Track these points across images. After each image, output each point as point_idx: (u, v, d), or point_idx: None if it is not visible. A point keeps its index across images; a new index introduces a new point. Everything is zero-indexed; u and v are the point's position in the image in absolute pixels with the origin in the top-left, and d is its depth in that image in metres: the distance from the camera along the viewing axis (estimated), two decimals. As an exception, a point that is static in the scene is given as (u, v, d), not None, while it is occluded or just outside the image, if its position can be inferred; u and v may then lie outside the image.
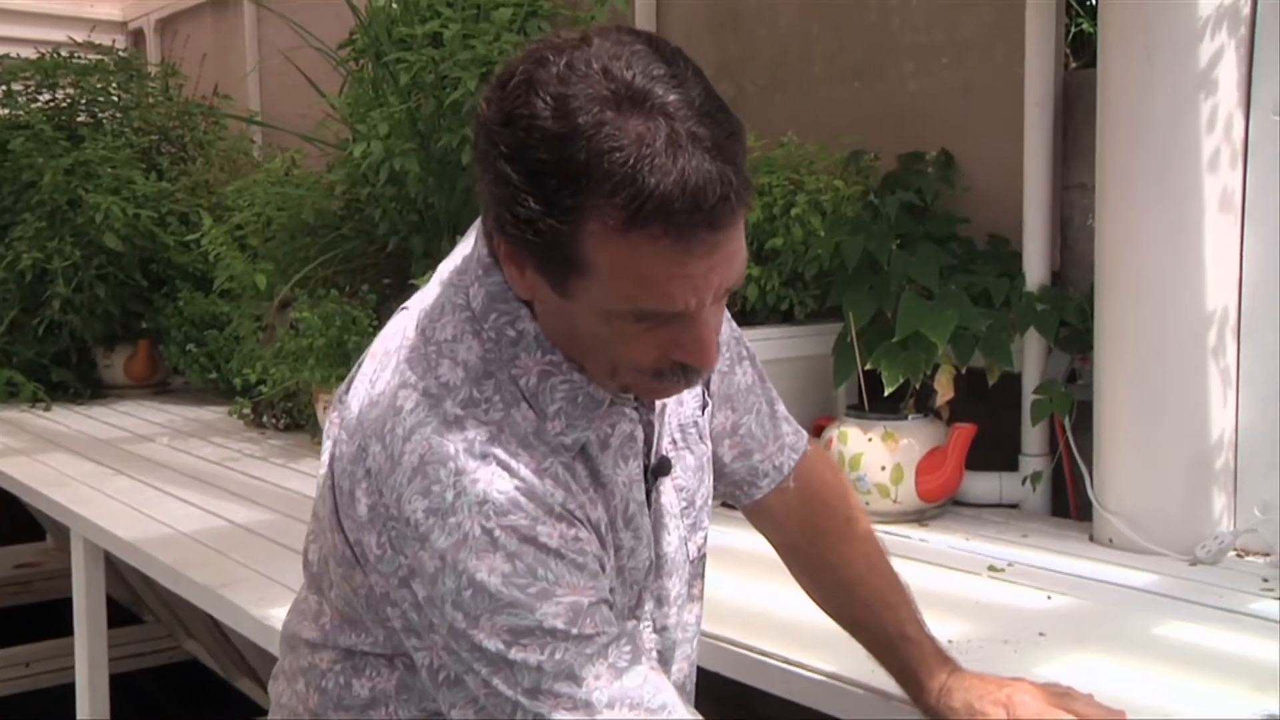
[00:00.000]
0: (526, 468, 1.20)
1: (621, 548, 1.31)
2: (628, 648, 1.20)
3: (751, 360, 1.57)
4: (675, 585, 1.44)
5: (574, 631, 1.16)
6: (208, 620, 3.97)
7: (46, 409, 4.59)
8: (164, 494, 3.16)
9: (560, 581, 1.17)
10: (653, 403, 1.36)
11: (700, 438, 1.45)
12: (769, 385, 1.58)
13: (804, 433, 1.62)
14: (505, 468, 1.19)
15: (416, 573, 1.19)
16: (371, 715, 1.37)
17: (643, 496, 1.35)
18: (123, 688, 3.47)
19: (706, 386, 1.50)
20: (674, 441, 1.41)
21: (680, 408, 1.42)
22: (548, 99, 1.09)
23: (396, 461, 1.20)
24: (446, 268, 1.34)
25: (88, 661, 3.29)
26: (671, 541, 1.40)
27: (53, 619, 3.39)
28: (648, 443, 1.36)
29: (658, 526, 1.39)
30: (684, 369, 1.21)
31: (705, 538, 1.48)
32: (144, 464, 3.56)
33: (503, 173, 1.12)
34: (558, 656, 1.16)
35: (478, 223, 1.31)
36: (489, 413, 1.21)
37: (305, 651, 1.43)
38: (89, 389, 4.86)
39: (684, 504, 1.42)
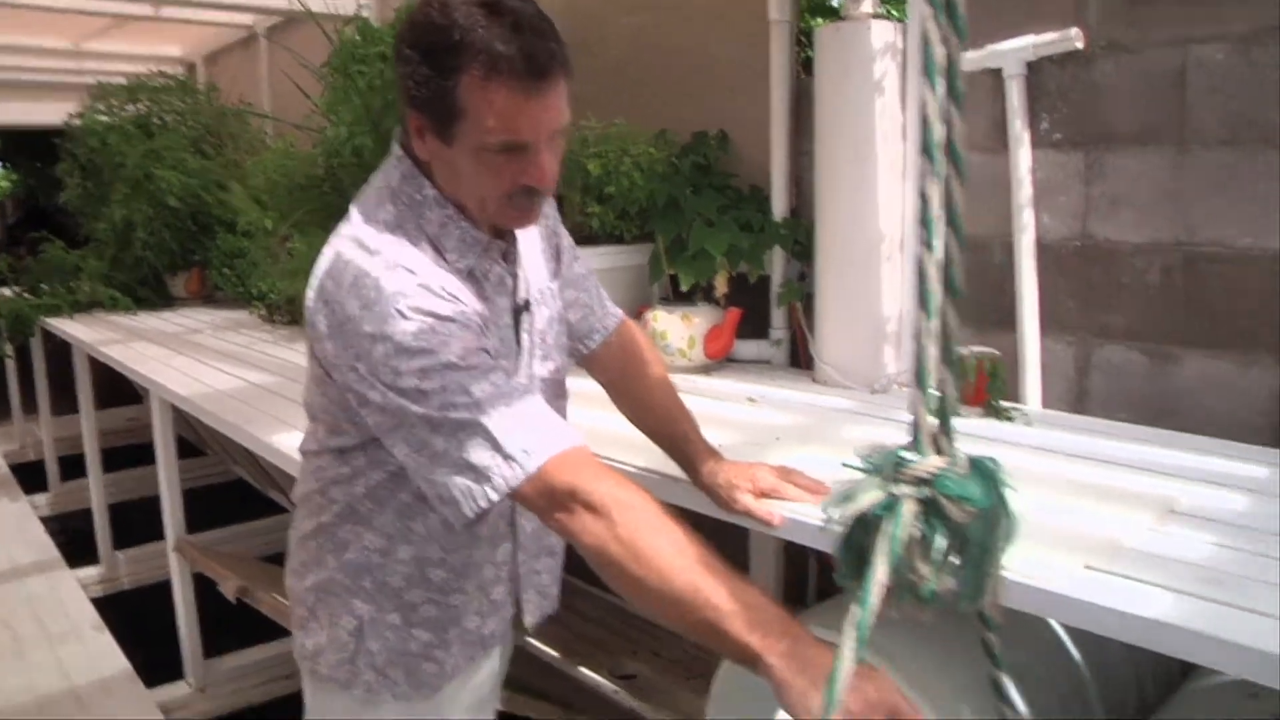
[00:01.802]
0: (424, 271, 1.22)
1: (497, 349, 1.32)
2: (502, 376, 1.20)
3: (584, 262, 1.59)
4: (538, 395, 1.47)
5: (462, 364, 1.17)
6: (247, 452, 3.97)
7: (134, 314, 4.50)
8: (208, 366, 3.13)
9: (452, 335, 1.18)
10: (515, 260, 1.38)
11: (552, 298, 1.47)
12: (595, 278, 1.60)
13: (621, 311, 1.64)
14: (409, 271, 1.21)
15: (360, 354, 1.20)
16: (355, 483, 1.38)
17: (509, 320, 1.37)
18: (192, 500, 3.46)
19: (557, 269, 1.52)
20: (537, 300, 1.43)
21: (538, 278, 1.44)
22: (437, 7, 1.18)
23: (340, 284, 1.22)
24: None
25: (166, 480, 3.27)
26: (535, 365, 1.42)
27: (152, 454, 3.37)
28: (514, 292, 1.38)
29: (530, 355, 1.41)
30: (528, 192, 1.24)
31: (557, 368, 1.49)
32: (196, 348, 3.51)
33: (408, 56, 1.20)
34: (454, 379, 1.16)
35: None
36: (403, 255, 1.23)
37: (311, 459, 1.44)
38: (162, 301, 4.77)
39: (540, 340, 1.44)
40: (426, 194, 1.29)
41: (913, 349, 0.73)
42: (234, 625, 3.44)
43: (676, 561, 1.06)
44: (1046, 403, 2.13)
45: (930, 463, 0.74)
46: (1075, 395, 2.11)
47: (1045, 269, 2.12)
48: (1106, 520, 1.40)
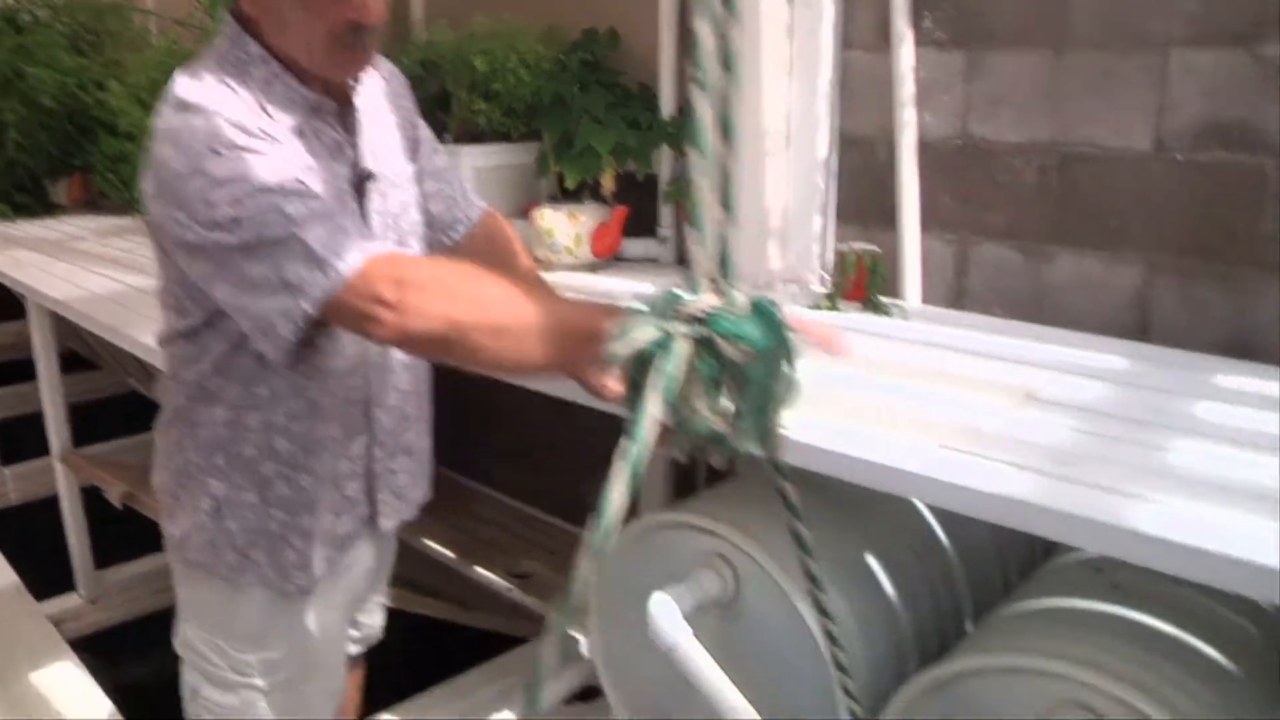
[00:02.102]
0: (241, 115, 1.19)
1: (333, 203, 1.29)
2: (320, 201, 1.18)
3: (444, 156, 1.59)
4: None
5: (276, 187, 1.15)
6: (139, 362, 3.90)
7: (12, 222, 4.29)
8: (89, 272, 3.03)
9: (267, 165, 1.16)
10: (355, 130, 1.37)
11: (408, 181, 1.46)
12: (458, 172, 1.60)
13: (485, 204, 1.64)
14: (222, 116, 1.18)
15: (178, 200, 1.17)
16: (202, 361, 1.37)
17: (349, 189, 1.35)
18: (85, 414, 3.40)
19: (414, 157, 1.51)
20: (390, 182, 1.42)
21: (392, 161, 1.43)
22: None
23: (159, 140, 1.20)
24: None
25: (48, 390, 3.19)
26: (386, 246, 1.39)
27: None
28: (356, 163, 1.37)
29: (383, 239, 1.40)
30: (355, 29, 1.23)
31: (414, 252, 1.49)
32: (77, 254, 3.39)
33: None
34: (269, 201, 1.14)
35: None
36: (219, 101, 1.21)
37: (166, 348, 1.43)
38: (42, 208, 4.53)
39: (393, 223, 1.43)
40: (252, 52, 1.27)
41: (691, 196, 0.75)
42: (125, 537, 3.41)
43: (525, 298, 1.09)
44: (926, 299, 2.17)
45: (704, 301, 0.76)
46: (954, 292, 2.16)
47: (926, 168, 2.14)
48: (967, 406, 1.45)
